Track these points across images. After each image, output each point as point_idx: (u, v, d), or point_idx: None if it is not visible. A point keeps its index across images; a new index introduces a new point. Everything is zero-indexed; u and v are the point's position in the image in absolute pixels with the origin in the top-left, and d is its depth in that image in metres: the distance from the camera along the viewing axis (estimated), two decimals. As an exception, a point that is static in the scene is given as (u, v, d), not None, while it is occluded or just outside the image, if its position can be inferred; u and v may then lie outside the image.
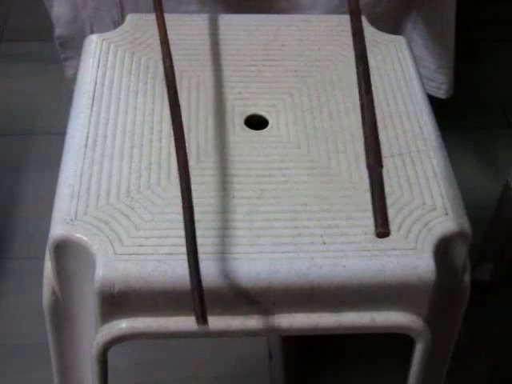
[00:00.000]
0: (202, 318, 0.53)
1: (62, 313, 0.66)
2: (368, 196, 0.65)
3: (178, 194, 0.64)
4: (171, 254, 0.60)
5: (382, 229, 0.52)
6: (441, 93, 1.15)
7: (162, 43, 0.72)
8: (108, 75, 0.75)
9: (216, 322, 0.61)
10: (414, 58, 0.80)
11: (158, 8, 0.75)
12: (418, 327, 0.63)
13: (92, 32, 1.04)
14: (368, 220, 0.63)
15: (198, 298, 0.54)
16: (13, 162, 1.29)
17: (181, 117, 0.65)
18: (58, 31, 1.07)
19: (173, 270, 0.59)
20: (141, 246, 0.60)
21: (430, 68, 1.13)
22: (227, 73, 0.77)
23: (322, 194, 0.65)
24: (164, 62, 0.70)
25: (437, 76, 1.14)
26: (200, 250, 0.60)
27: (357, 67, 0.63)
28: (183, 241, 0.60)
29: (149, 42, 0.78)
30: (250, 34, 0.82)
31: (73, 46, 1.08)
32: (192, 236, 0.57)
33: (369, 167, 0.56)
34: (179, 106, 0.66)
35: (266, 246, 0.61)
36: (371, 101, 0.60)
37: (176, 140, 0.63)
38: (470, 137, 1.37)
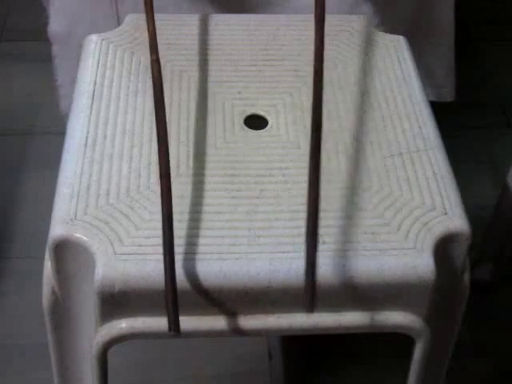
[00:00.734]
0: (175, 324, 0.54)
1: (61, 313, 0.66)
2: (367, 195, 0.65)
3: (178, 193, 0.64)
4: (171, 253, 0.60)
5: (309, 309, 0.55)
6: (450, 96, 1.16)
7: (150, 39, 0.72)
8: (108, 75, 0.75)
9: (216, 322, 0.61)
10: (414, 58, 0.80)
11: (149, 9, 0.74)
12: (417, 327, 0.63)
13: None
14: (367, 220, 0.63)
15: (171, 304, 0.55)
16: (12, 161, 1.29)
17: (164, 109, 0.65)
18: (54, 49, 1.07)
19: (172, 269, 0.59)
20: (140, 245, 0.60)
21: (441, 75, 1.14)
22: (227, 72, 0.77)
23: (321, 194, 0.65)
24: (151, 56, 0.70)
25: (447, 81, 1.15)
26: (200, 249, 0.60)
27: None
28: (183, 240, 0.60)
29: (148, 42, 0.78)
30: (249, 33, 0.82)
31: (68, 67, 1.08)
32: (170, 244, 0.57)
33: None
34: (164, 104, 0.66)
35: (266, 245, 0.61)
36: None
37: (158, 132, 0.64)
38: (469, 136, 1.37)
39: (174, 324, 0.54)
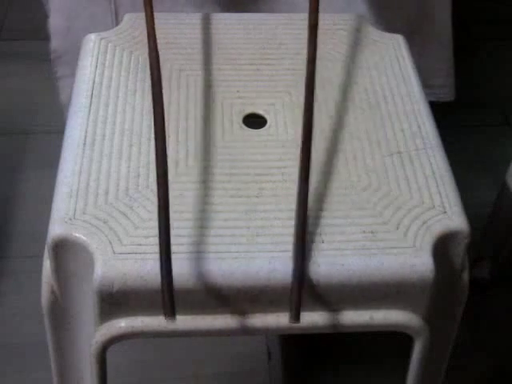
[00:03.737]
0: (171, 312, 0.54)
1: (60, 312, 0.66)
2: (366, 194, 0.65)
3: (176, 192, 0.64)
4: (170, 252, 0.60)
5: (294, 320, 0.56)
6: (449, 96, 1.17)
7: (148, 36, 0.71)
8: (106, 74, 0.75)
9: (215, 321, 0.61)
10: (412, 56, 0.80)
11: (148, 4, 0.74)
12: (416, 325, 0.63)
13: None
14: (366, 218, 0.63)
15: (167, 291, 0.54)
16: (12, 161, 1.29)
17: (163, 108, 0.65)
18: (53, 43, 1.07)
19: (171, 268, 0.59)
20: (139, 245, 0.60)
21: (442, 75, 1.14)
22: (225, 72, 0.77)
23: (320, 193, 0.65)
24: (150, 52, 0.70)
25: (447, 80, 1.15)
26: (199, 248, 0.60)
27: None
28: (181, 239, 0.60)
29: (147, 41, 0.78)
30: (248, 32, 0.82)
31: (67, 61, 1.08)
32: (166, 228, 0.57)
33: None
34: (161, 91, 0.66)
35: (265, 244, 0.61)
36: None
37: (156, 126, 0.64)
38: (468, 135, 1.37)
39: (169, 308, 0.54)
